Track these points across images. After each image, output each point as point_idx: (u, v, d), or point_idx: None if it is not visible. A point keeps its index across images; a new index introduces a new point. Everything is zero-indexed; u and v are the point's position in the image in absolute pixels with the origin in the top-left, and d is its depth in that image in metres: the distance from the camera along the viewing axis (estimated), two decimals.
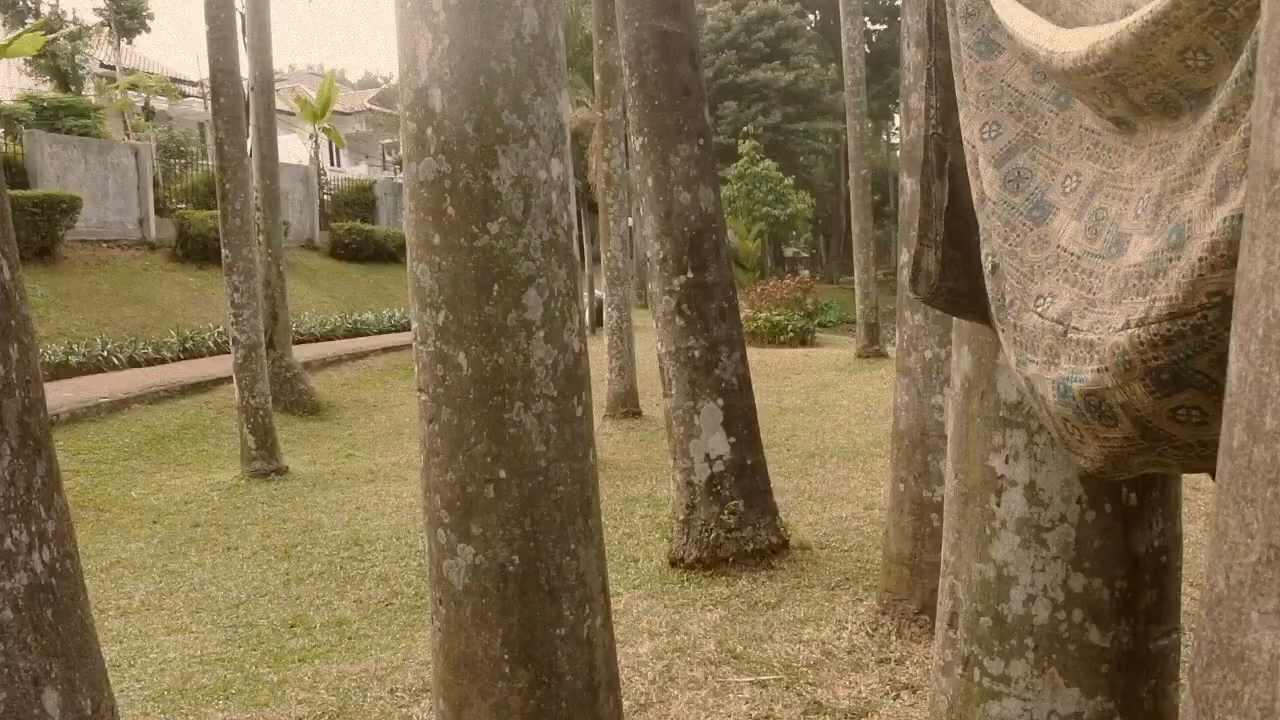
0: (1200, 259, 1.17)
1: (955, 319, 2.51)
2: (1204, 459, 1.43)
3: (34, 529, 1.31)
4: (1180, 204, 1.28)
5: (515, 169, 2.46)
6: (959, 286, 2.08)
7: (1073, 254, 1.55)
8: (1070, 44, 1.48)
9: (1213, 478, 1.52)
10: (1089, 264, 1.50)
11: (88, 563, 6.64)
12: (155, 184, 20.00)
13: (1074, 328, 1.47)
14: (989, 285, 1.79)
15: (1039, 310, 1.58)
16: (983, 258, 1.83)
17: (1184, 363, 1.24)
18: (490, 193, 2.44)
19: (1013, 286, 1.67)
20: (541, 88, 2.50)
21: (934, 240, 2.09)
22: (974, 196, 1.89)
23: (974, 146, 1.84)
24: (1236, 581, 0.73)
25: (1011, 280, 1.67)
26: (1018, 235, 1.68)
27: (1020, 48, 1.69)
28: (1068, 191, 1.62)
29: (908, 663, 4.27)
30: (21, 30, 17.24)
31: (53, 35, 19.19)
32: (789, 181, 33.08)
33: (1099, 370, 1.37)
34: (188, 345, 15.29)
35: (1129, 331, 1.29)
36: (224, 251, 9.77)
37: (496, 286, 2.46)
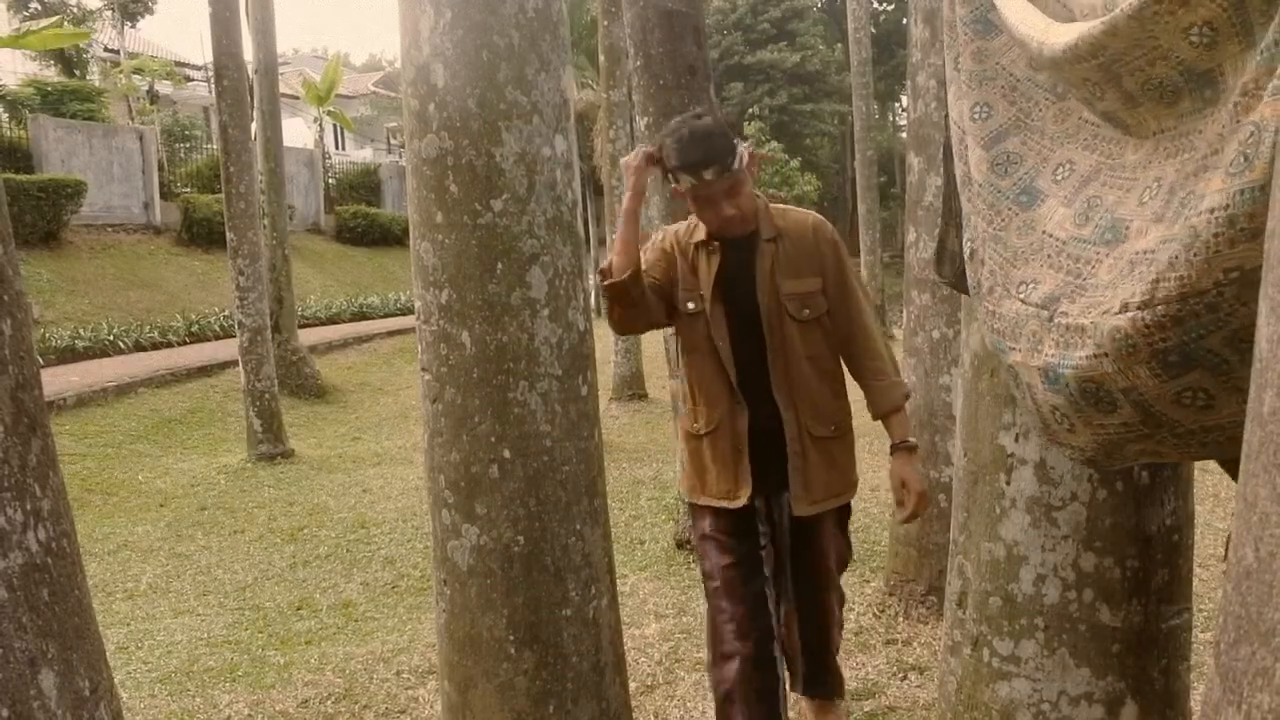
0: (1216, 234, 1.13)
1: (964, 297, 2.48)
2: (1205, 445, 1.39)
3: (29, 507, 1.29)
4: (1196, 187, 1.24)
5: (519, 145, 2.43)
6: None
7: (1058, 239, 1.52)
8: (1060, 36, 1.46)
9: (1219, 462, 1.49)
10: (1075, 249, 1.47)
11: (95, 546, 6.66)
12: (160, 168, 19.96)
13: (1062, 312, 1.43)
14: (968, 271, 1.76)
15: (1021, 296, 1.55)
16: (964, 242, 1.80)
17: (1195, 343, 1.20)
18: (494, 169, 2.41)
19: (992, 272, 1.64)
20: (545, 63, 2.47)
21: (959, 219, 2.06)
22: (957, 178, 1.86)
23: (961, 127, 1.81)
24: (1267, 553, 0.70)
25: (992, 265, 1.65)
26: (1003, 219, 1.65)
27: (1013, 36, 1.66)
28: (1059, 179, 1.59)
29: (915, 644, 4.25)
30: (43, 26, 17.18)
31: (71, 31, 19.13)
32: (795, 164, 32.91)
33: (1096, 355, 1.33)
34: (193, 329, 15.30)
35: (1130, 314, 1.25)
36: (229, 235, 9.74)
37: (500, 264, 2.43)
